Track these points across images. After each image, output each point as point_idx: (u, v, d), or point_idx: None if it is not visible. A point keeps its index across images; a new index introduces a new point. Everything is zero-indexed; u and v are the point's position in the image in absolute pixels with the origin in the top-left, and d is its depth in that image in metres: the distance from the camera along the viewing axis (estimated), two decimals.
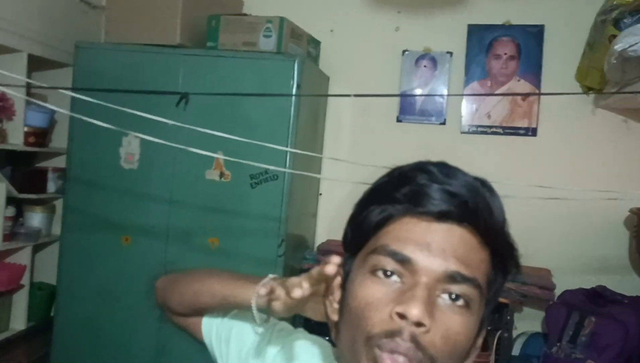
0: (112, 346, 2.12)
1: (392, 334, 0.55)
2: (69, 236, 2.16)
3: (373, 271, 0.58)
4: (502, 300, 1.98)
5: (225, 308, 0.80)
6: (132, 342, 2.10)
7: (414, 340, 0.55)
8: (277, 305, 0.65)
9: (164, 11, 2.06)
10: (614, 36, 1.72)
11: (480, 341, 0.63)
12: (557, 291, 2.02)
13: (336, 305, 0.65)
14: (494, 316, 1.98)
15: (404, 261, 0.57)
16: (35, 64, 2.16)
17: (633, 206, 1.99)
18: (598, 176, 2.12)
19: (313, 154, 1.90)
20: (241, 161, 1.33)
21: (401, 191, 0.59)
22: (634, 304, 1.93)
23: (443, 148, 2.22)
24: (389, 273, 0.58)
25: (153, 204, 2.06)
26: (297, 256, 2.15)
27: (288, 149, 1.71)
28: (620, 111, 2.14)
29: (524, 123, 2.23)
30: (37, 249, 2.34)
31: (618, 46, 1.53)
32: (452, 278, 0.56)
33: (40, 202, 2.33)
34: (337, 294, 0.66)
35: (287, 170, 1.77)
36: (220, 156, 1.31)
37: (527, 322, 2.17)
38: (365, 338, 0.57)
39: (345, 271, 0.64)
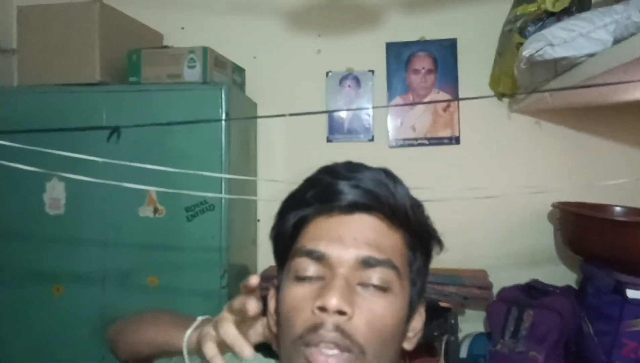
0: None
1: (316, 328, 0.57)
2: None
3: (296, 276, 0.61)
4: (444, 304, 2.04)
5: (167, 356, 0.78)
6: None
7: (338, 328, 0.57)
8: (208, 347, 0.63)
9: (81, 49, 2.00)
10: (521, 44, 1.84)
11: (418, 324, 0.66)
12: (495, 290, 2.10)
13: (275, 317, 0.67)
14: (439, 322, 2.03)
15: (320, 257, 0.60)
16: None
17: (554, 200, 2.11)
18: (519, 174, 2.24)
19: (246, 177, 1.89)
20: (175, 191, 1.30)
21: (310, 194, 0.63)
22: (565, 293, 2.04)
23: (373, 163, 2.26)
24: (311, 275, 0.60)
25: (85, 249, 1.97)
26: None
27: (221, 175, 1.70)
28: (533, 113, 2.28)
29: (447, 133, 2.33)
30: None
31: (526, 52, 1.64)
32: (367, 262, 0.60)
33: None
34: (274, 306, 0.67)
35: (222, 196, 1.75)
36: (152, 188, 1.28)
37: (471, 323, 2.24)
38: (292, 340, 0.59)
39: (278, 283, 0.66)
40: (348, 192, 0.60)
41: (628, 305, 1.70)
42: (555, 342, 1.85)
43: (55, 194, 1.97)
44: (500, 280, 2.14)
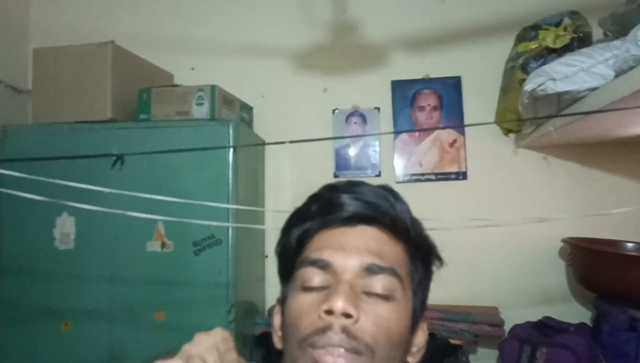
0: None
1: (323, 330, 0.58)
2: (1, 330, 2.02)
3: (302, 286, 0.62)
4: (455, 341, 2.00)
5: None
6: None
7: (345, 331, 0.57)
8: None
9: (93, 88, 2.06)
10: (523, 80, 1.87)
11: (422, 340, 0.66)
12: (507, 327, 2.06)
13: (280, 333, 0.67)
14: (450, 360, 1.99)
15: (324, 266, 0.61)
16: None
17: (564, 236, 2.09)
18: (527, 209, 2.23)
19: (253, 208, 1.90)
20: (182, 220, 1.31)
21: (313, 208, 0.65)
22: (579, 330, 1.99)
23: None
24: (317, 284, 0.61)
25: (93, 284, 1.97)
26: (248, 322, 2.10)
27: (228, 206, 1.71)
28: (540, 149, 2.29)
29: (453, 168, 2.34)
30: None
31: (528, 87, 1.66)
32: (370, 270, 0.61)
33: None
34: (279, 321, 0.67)
35: (229, 224, 1.76)
36: (160, 217, 1.30)
37: (483, 361, 2.19)
38: (298, 342, 0.59)
39: (283, 296, 0.66)
40: (350, 204, 0.63)
41: None
42: None
43: (65, 229, 2.00)
44: (512, 317, 2.10)
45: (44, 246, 2.01)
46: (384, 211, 0.63)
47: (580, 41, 1.85)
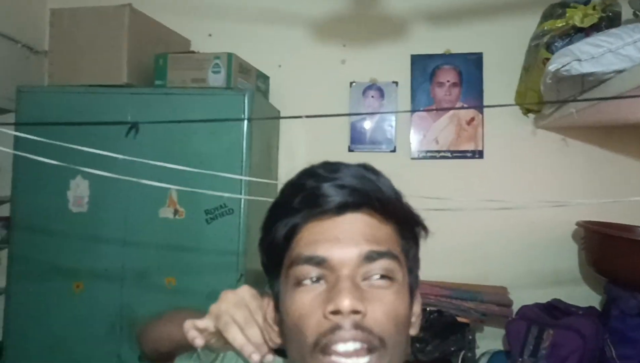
0: None
1: (332, 330, 0.57)
2: (15, 287, 2.06)
3: (297, 283, 0.61)
4: (462, 319, 2.01)
5: (186, 351, 0.79)
6: None
7: (357, 327, 0.56)
8: (213, 340, 0.66)
9: (109, 51, 2.04)
10: (547, 59, 1.82)
11: (418, 309, 0.66)
12: (515, 308, 2.06)
13: (276, 328, 0.66)
14: (456, 337, 2.00)
15: (320, 262, 0.59)
16: None
17: (579, 219, 2.07)
18: (543, 191, 2.21)
19: (266, 180, 1.90)
20: (195, 190, 1.31)
21: (296, 200, 0.62)
22: (588, 314, 1.99)
23: (394, 174, 2.24)
24: (313, 279, 0.60)
25: (105, 247, 1.99)
26: (257, 290, 2.12)
27: (242, 177, 1.70)
28: (559, 130, 2.25)
29: (470, 146, 2.31)
30: None
31: (552, 66, 1.62)
32: (369, 258, 0.59)
33: None
34: (274, 317, 0.67)
35: (242, 196, 1.76)
36: (174, 186, 1.29)
37: (489, 340, 2.20)
38: (310, 348, 0.58)
39: (275, 293, 0.65)
40: (335, 194, 0.60)
41: None
42: None
43: (79, 192, 2.01)
44: (521, 298, 2.10)
45: (57, 208, 2.03)
46: (371, 195, 0.61)
47: (609, 21, 1.79)
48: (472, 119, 2.32)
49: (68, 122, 1.11)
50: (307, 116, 1.26)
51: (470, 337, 2.02)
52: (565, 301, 2.10)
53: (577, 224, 2.08)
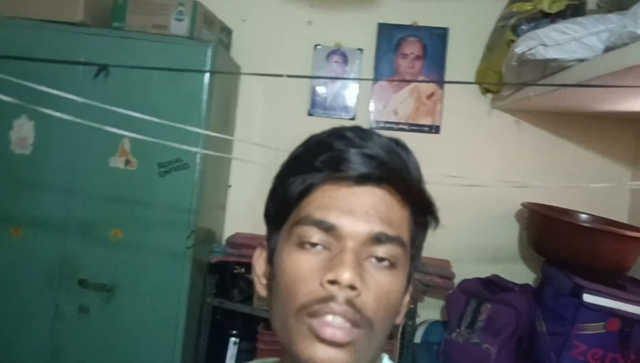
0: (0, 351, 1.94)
1: (325, 299, 0.55)
2: None
3: (300, 244, 0.58)
4: None
5: None
6: (23, 345, 1.93)
7: (349, 303, 0.55)
8: None
9: None
10: (512, 41, 1.85)
11: (408, 298, 0.65)
12: (456, 281, 2.13)
13: (264, 281, 0.65)
14: None
15: (329, 228, 0.57)
16: None
17: (524, 200, 2.15)
18: (494, 170, 2.27)
19: (225, 136, 1.85)
20: (150, 139, 1.26)
21: (319, 159, 0.59)
22: (523, 290, 2.09)
23: None
24: (316, 243, 0.58)
25: (49, 193, 1.90)
26: (206, 249, 2.09)
27: (200, 130, 1.65)
28: (513, 112, 2.30)
29: (427, 121, 2.33)
30: None
31: (518, 49, 1.64)
32: (377, 239, 0.57)
33: None
34: (264, 269, 0.65)
35: (198, 150, 1.71)
36: (129, 133, 1.23)
37: (428, 310, 2.28)
38: (296, 310, 0.56)
39: (271, 246, 0.63)
40: (361, 162, 0.57)
41: (583, 309, 1.75)
42: (509, 337, 1.90)
43: (23, 133, 1.90)
44: (463, 272, 2.17)
45: None
46: (397, 173, 0.58)
47: (574, 9, 1.83)
48: (432, 94, 2.34)
49: (23, 57, 1.03)
50: (270, 75, 1.22)
51: (412, 306, 2.08)
52: (504, 277, 2.19)
53: (522, 204, 2.16)
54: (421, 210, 0.62)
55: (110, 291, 1.90)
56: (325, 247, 0.58)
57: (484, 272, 2.21)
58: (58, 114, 1.16)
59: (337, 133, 0.60)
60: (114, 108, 1.24)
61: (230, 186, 2.35)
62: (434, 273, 2.09)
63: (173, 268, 1.89)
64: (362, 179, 0.58)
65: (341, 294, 0.55)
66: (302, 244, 0.58)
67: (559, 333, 1.81)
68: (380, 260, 0.58)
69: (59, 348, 1.92)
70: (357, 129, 0.60)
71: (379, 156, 0.58)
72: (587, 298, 1.73)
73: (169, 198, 1.88)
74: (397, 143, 0.61)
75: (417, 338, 2.15)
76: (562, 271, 1.90)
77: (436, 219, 0.64)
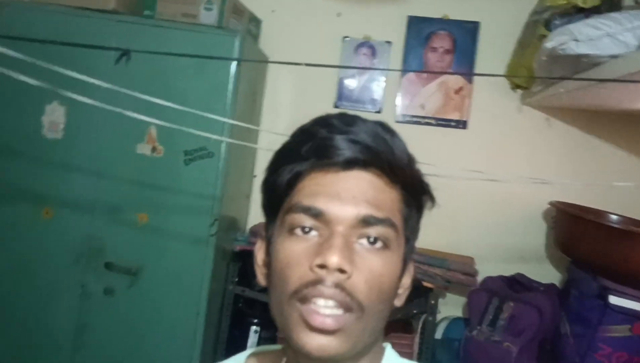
0: (28, 326, 1.99)
1: (314, 283, 0.56)
2: None
3: (291, 230, 0.59)
4: (427, 284, 2.05)
5: None
6: (51, 321, 1.99)
7: (338, 286, 0.56)
8: None
9: None
10: (544, 36, 1.81)
11: (408, 281, 0.65)
12: (479, 278, 2.11)
13: (264, 270, 0.66)
14: (420, 301, 2.04)
15: (317, 214, 0.58)
16: None
17: (552, 199, 2.11)
18: (522, 168, 2.23)
19: (249, 125, 1.86)
20: (176, 126, 1.28)
21: (305, 148, 0.60)
22: (548, 291, 2.05)
23: None
24: (306, 229, 0.59)
25: (78, 176, 1.95)
26: (229, 237, 2.12)
27: (226, 120, 1.66)
28: (543, 109, 2.26)
29: (455, 116, 2.30)
30: None
31: (549, 44, 1.60)
32: (366, 221, 0.58)
33: None
34: (264, 259, 0.66)
35: (223, 139, 1.73)
36: (155, 121, 1.25)
37: (450, 307, 2.26)
38: (289, 296, 0.57)
39: (268, 236, 0.65)
40: (346, 148, 0.58)
41: (609, 311, 1.71)
42: (532, 338, 1.87)
43: (55, 117, 1.95)
44: (486, 269, 2.15)
45: (31, 132, 1.97)
46: (382, 156, 0.59)
47: (610, 4, 1.77)
48: (461, 88, 2.31)
49: (55, 41, 1.05)
50: (299, 64, 1.22)
51: (432, 302, 2.06)
52: (529, 276, 2.15)
53: (550, 203, 2.11)
54: (412, 191, 0.63)
55: (135, 274, 1.94)
56: (316, 233, 0.59)
57: (508, 271, 2.18)
58: (87, 100, 1.19)
59: (322, 121, 0.61)
60: (141, 95, 1.26)
61: (255, 176, 2.37)
62: (456, 269, 2.07)
63: (196, 254, 1.92)
64: (348, 164, 0.59)
65: (330, 278, 0.55)
66: (293, 231, 0.59)
67: (583, 336, 1.77)
68: (371, 242, 0.58)
69: (84, 326, 1.97)
70: (341, 116, 0.61)
71: (363, 140, 0.58)
72: (614, 300, 1.70)
73: (193, 185, 1.91)
74: (382, 125, 0.61)
75: (438, 335, 2.13)
76: (588, 273, 1.86)
77: (432, 199, 0.64)
